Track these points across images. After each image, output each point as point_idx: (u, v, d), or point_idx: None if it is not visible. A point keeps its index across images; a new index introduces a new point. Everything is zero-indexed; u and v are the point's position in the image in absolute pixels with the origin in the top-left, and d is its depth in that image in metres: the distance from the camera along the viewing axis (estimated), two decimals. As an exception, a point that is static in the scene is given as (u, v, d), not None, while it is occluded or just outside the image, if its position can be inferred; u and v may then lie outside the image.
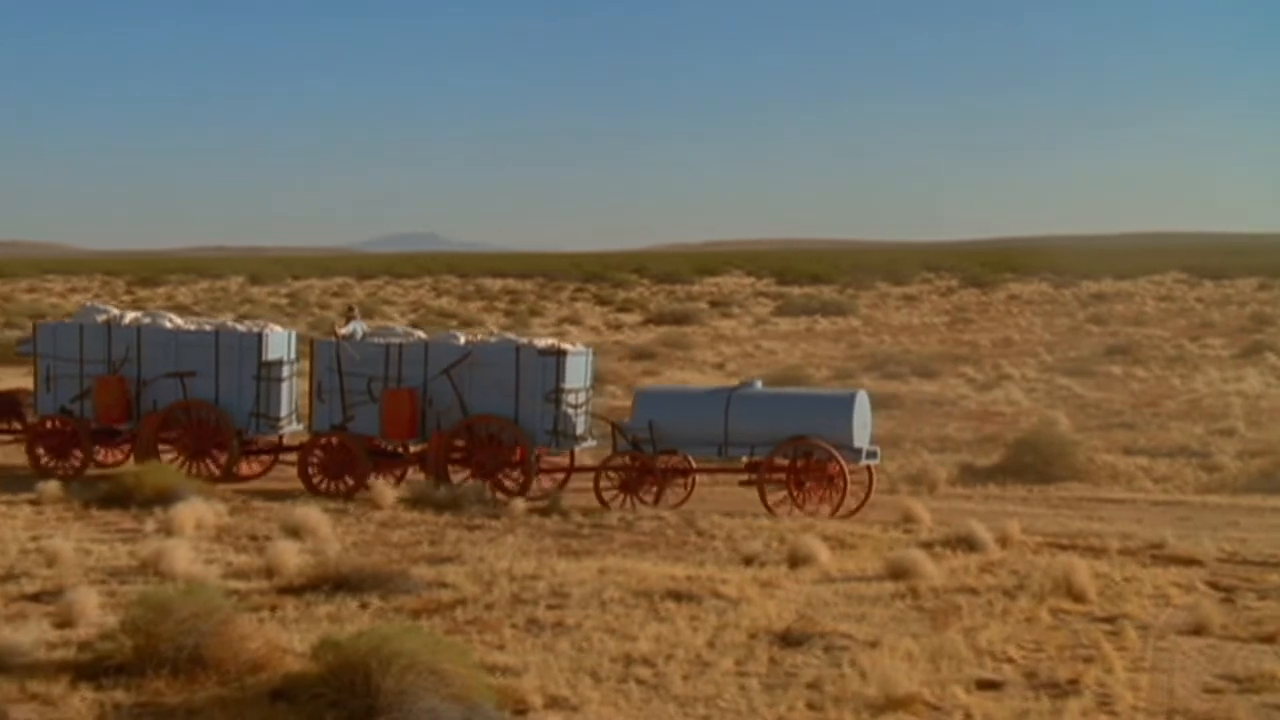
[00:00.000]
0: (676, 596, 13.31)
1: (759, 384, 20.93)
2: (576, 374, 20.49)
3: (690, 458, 19.76)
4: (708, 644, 11.85)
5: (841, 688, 10.63)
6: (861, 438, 19.27)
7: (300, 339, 23.22)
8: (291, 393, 21.87)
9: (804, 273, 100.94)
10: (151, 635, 10.77)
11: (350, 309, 24.81)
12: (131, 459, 21.93)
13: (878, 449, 20.12)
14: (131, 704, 10.16)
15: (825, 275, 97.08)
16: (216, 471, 21.15)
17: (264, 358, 21.37)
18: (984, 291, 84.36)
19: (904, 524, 17.86)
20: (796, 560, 15.09)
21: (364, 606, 12.97)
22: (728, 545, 16.37)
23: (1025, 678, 11.05)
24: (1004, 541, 16.28)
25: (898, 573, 14.37)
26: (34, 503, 18.64)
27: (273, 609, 12.81)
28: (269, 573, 14.21)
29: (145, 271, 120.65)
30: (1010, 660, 11.53)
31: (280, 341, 21.94)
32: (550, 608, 12.95)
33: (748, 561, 15.30)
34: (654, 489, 19.44)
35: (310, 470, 20.66)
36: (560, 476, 20.81)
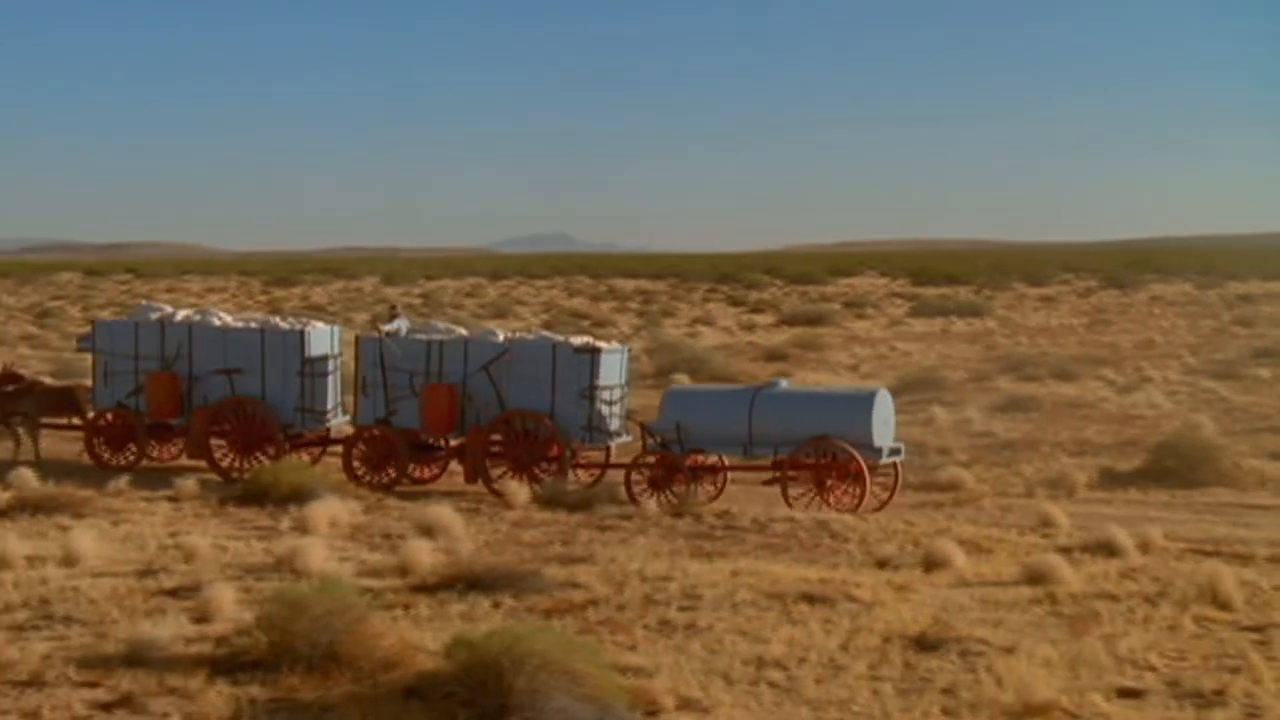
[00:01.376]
0: (809, 599, 13.19)
1: (784, 384, 21.28)
2: (611, 371, 20.90)
3: (723, 457, 20.12)
4: (841, 647, 11.72)
5: (977, 694, 10.45)
6: (883, 436, 19.38)
7: (344, 336, 23.73)
8: (336, 387, 22.44)
9: (939, 273, 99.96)
10: (287, 632, 10.90)
11: (393, 308, 25.75)
12: (184, 454, 22.73)
13: (901, 446, 20.14)
14: (267, 699, 10.28)
15: (961, 276, 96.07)
16: (266, 465, 21.31)
17: (307, 354, 21.93)
18: (1125, 292, 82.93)
19: (1042, 528, 17.56)
20: (931, 564, 14.89)
21: (496, 606, 13.01)
22: (861, 548, 16.20)
23: (1168, 687, 10.78)
24: (1145, 547, 15.93)
25: (1035, 578, 14.11)
26: (172, 499, 18.98)
27: (406, 607, 12.90)
28: (402, 571, 14.30)
29: (281, 272, 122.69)
30: (1152, 669, 11.25)
31: (323, 338, 22.49)
32: (682, 609, 12.89)
33: (881, 565, 15.13)
34: (682, 487, 19.60)
35: (354, 463, 21.22)
36: (596, 472, 21.14)
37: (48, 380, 25.24)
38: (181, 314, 23.29)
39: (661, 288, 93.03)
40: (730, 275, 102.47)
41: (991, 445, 24.90)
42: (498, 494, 20.09)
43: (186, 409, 22.34)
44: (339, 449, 22.13)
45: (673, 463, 19.86)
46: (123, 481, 19.79)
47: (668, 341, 44.31)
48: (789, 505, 19.02)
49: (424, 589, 13.56)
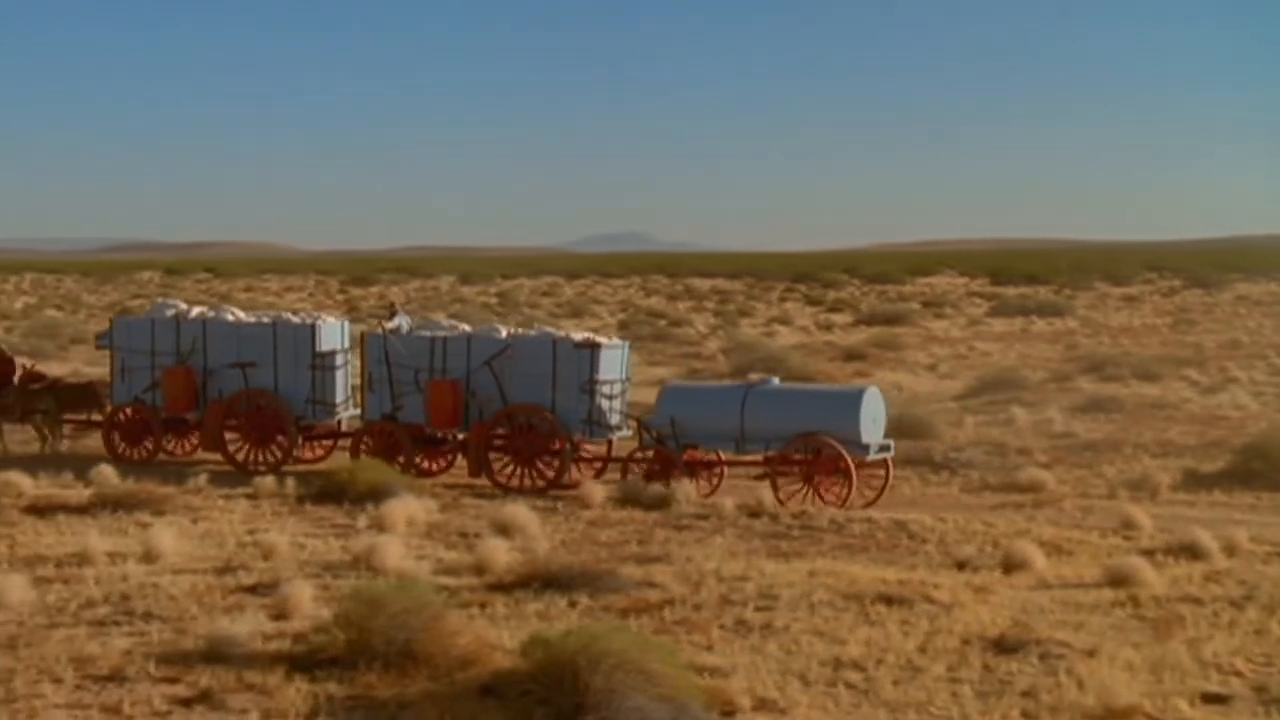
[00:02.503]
0: (887, 600, 13.09)
1: (775, 381, 21.35)
2: (611, 366, 21.17)
3: (719, 452, 20.38)
4: (919, 649, 11.62)
5: (1058, 697, 10.32)
6: (871, 433, 19.53)
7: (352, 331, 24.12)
8: (346, 381, 22.79)
9: (1019, 273, 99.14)
10: (364, 629, 10.94)
11: (393, 305, 26.30)
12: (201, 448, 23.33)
13: (891, 443, 20.28)
14: (344, 696, 10.31)
15: (1042, 275, 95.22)
16: (279, 456, 22.21)
17: (317, 348, 22.32)
18: (1209, 292, 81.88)
19: (1123, 530, 17.32)
20: (1011, 565, 14.73)
21: (573, 605, 13.00)
22: (939, 549, 16.06)
23: (1254, 692, 10.59)
24: (1230, 550, 15.66)
25: (1117, 580, 13.92)
26: (250, 497, 19.14)
27: (482, 606, 12.91)
28: (479, 569, 14.32)
29: (358, 271, 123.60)
30: (1238, 674, 11.06)
31: (333, 332, 22.84)
32: (759, 609, 12.83)
33: (960, 566, 14.99)
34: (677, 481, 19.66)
35: (361, 457, 21.49)
36: (599, 465, 21.51)
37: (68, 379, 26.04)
38: (196, 310, 23.85)
39: (738, 287, 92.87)
40: (807, 275, 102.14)
41: (1073, 446, 24.60)
42: (501, 486, 20.62)
43: (201, 403, 22.85)
44: (349, 442, 22.53)
45: (668, 457, 20.12)
46: (202, 479, 19.99)
47: (744, 341, 44.21)
48: (779, 501, 19.08)
49: (500, 587, 13.58)
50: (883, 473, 20.00)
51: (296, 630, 11.86)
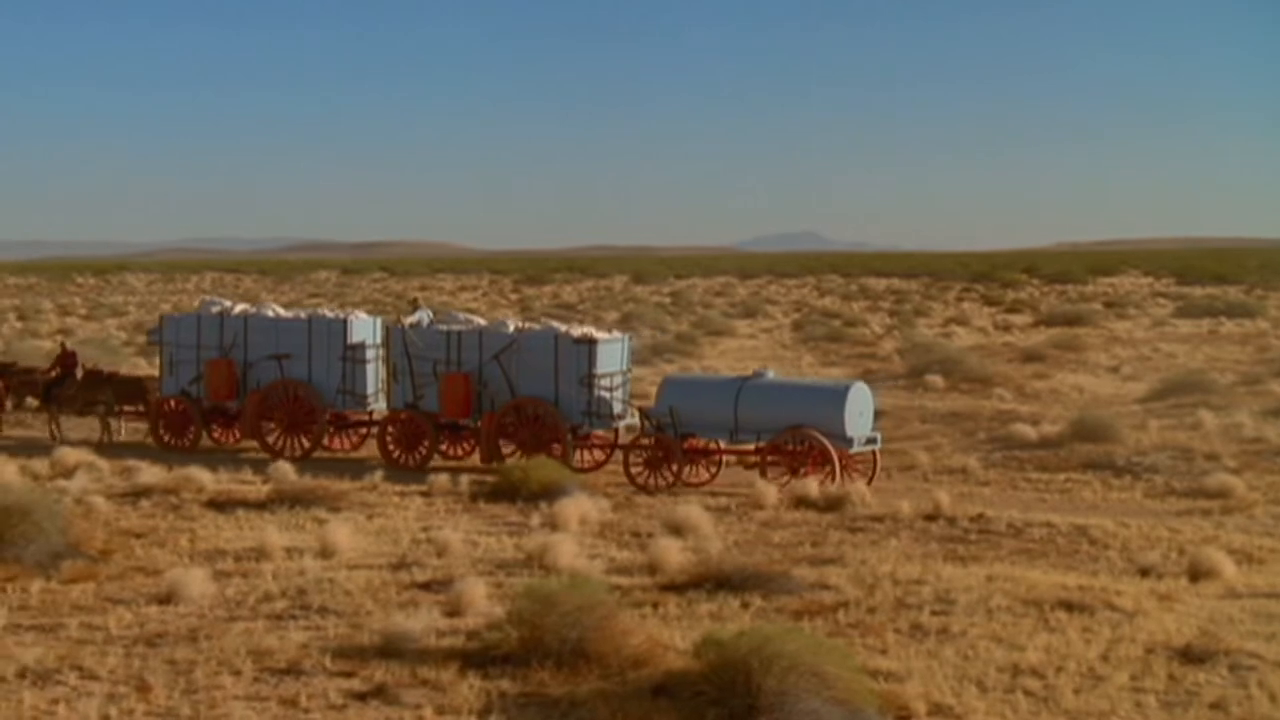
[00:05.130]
0: (1068, 606, 12.78)
1: (770, 374, 22.11)
2: (610, 360, 22.20)
3: (720, 441, 21.23)
4: (1101, 657, 11.32)
5: (1249, 710, 9.98)
6: (856, 426, 20.37)
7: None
8: (376, 373, 23.90)
9: (1207, 272, 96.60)
10: (537, 627, 10.97)
11: (414, 300, 27.64)
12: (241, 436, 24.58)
13: (878, 435, 21.26)
14: (517, 693, 10.35)
15: (1230, 275, 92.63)
16: (307, 445, 23.43)
17: (348, 341, 23.58)
18: None
19: (1320, 538, 16.70)
20: (1197, 573, 14.29)
21: (745, 606, 12.91)
22: (1122, 555, 15.63)
23: None
24: None
25: (1312, 590, 13.42)
26: (425, 494, 19.37)
27: (655, 605, 12.88)
28: (651, 569, 14.30)
29: (532, 270, 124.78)
30: None
31: (364, 327, 24.13)
32: (935, 613, 12.61)
33: (1144, 573, 14.56)
34: (675, 468, 20.71)
35: (388, 443, 22.89)
36: (606, 452, 22.54)
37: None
38: (239, 308, 25.27)
39: (914, 287, 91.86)
40: (985, 274, 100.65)
41: (1264, 451, 23.74)
42: None
43: (241, 393, 24.01)
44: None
45: (668, 445, 20.85)
46: (377, 476, 20.31)
47: (921, 342, 43.63)
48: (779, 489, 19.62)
49: (673, 588, 13.54)
50: (869, 464, 20.74)
51: (470, 627, 11.94)
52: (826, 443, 20.01)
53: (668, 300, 76.75)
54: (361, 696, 10.39)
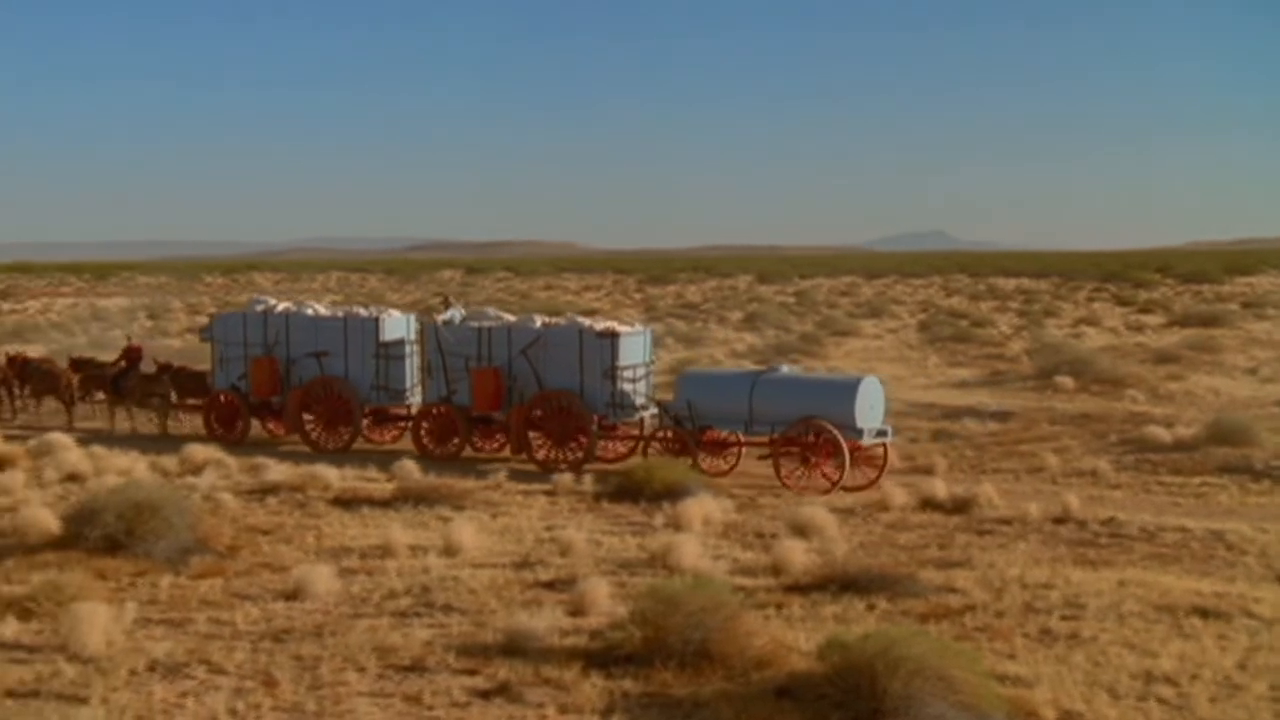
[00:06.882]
0: (1203, 613, 12.50)
1: (785, 369, 22.91)
2: (633, 353, 22.88)
3: (739, 434, 21.78)
4: (1238, 666, 11.04)
5: (1393, 722, 9.63)
6: (867, 419, 20.85)
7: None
8: (411, 369, 24.71)
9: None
10: (660, 627, 10.94)
11: (447, 297, 28.17)
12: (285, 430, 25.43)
13: (889, 428, 21.65)
14: (639, 693, 10.31)
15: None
16: (347, 438, 24.46)
17: (381, 338, 24.48)
18: None
19: None
20: (1341, 580, 13.87)
21: (871, 608, 12.77)
22: (1260, 561, 15.23)
23: None
24: None
25: None
26: (549, 493, 19.43)
27: (779, 606, 12.80)
28: (775, 570, 14.21)
29: (655, 270, 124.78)
30: None
31: (398, 325, 25.01)
32: (1064, 618, 12.39)
33: (1284, 579, 14.18)
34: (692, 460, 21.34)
35: (423, 436, 23.70)
36: (631, 444, 23.11)
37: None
38: (282, 306, 26.13)
39: (1043, 287, 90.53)
40: (1117, 274, 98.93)
41: None
42: (539, 464, 22.37)
43: (284, 389, 24.68)
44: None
45: (685, 437, 21.62)
46: (501, 475, 20.44)
47: (1050, 342, 42.93)
48: (781, 480, 20.50)
49: (797, 589, 13.44)
50: (880, 456, 21.16)
51: (593, 626, 11.95)
52: (837, 434, 20.43)
53: (792, 300, 76.34)
54: (485, 694, 10.42)
